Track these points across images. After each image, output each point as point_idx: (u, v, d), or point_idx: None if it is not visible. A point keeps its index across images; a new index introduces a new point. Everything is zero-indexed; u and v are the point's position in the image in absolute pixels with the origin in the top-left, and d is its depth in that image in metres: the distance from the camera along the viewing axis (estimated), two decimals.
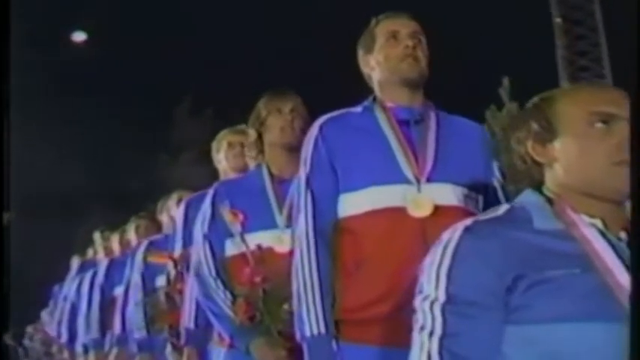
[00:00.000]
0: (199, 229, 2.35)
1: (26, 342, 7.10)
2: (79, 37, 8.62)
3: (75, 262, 5.07)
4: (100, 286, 3.79)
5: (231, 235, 1.93)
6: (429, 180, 1.46)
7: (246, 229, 1.91)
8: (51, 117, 8.22)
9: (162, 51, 7.74)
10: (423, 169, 1.47)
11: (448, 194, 1.46)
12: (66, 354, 4.54)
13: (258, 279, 1.78)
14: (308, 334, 1.41)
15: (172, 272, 2.49)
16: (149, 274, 3.12)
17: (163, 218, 3.41)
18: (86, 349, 3.91)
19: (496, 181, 1.58)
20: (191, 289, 2.31)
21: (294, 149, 1.98)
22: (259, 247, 1.87)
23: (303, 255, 1.46)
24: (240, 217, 1.92)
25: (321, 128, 1.54)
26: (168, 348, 2.61)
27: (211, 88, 7.87)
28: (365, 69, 1.64)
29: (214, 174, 2.73)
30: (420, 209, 1.41)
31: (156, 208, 3.56)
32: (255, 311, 1.79)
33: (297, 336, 1.45)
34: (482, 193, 1.55)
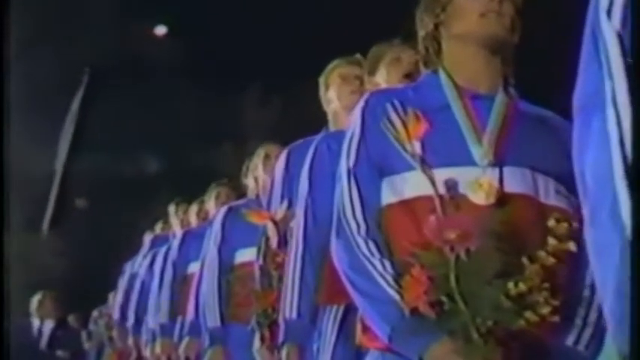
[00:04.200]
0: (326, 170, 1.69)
1: (91, 326, 6.70)
2: (160, 30, 8.76)
3: (147, 239, 4.53)
4: (173, 262, 3.18)
5: (390, 172, 1.21)
6: None
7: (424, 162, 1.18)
8: (124, 105, 7.99)
9: (233, 39, 7.43)
10: None
11: None
12: (130, 340, 3.96)
13: (452, 235, 1.03)
14: None
15: (273, 238, 1.82)
16: (227, 247, 2.47)
17: (249, 182, 2.79)
18: (154, 336, 3.30)
19: None
20: (294, 264, 1.68)
21: (497, 49, 1.26)
22: (450, 185, 1.14)
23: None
24: (425, 125, 1.17)
25: None
26: (257, 343, 1.93)
27: (280, 76, 7.45)
28: None
29: None
30: None
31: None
32: (441, 293, 1.04)
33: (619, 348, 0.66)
34: None
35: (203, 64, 8.02)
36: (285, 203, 1.88)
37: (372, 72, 1.73)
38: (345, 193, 1.24)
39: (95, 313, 6.72)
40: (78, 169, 9.09)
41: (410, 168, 1.18)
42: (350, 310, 1.56)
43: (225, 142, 8.89)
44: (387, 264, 1.15)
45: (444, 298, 1.05)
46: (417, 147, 1.18)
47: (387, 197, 1.21)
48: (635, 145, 0.77)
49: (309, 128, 2.50)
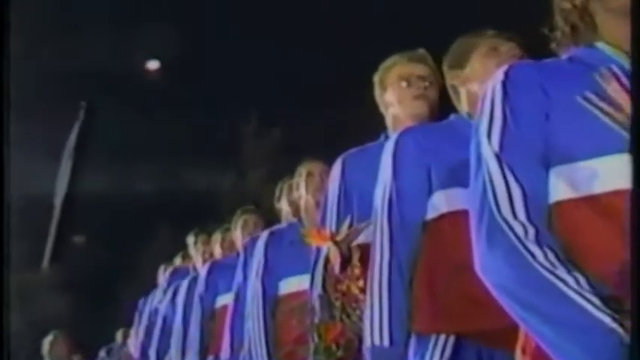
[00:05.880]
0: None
1: None
2: (153, 65, 8.77)
3: (162, 273, 4.32)
4: (200, 295, 2.96)
5: (568, 160, 0.95)
6: None
7: None
8: (121, 137, 7.91)
9: (229, 70, 7.44)
10: None
11: None
12: None
13: None
14: None
15: (335, 261, 1.61)
16: (270, 277, 2.27)
17: (283, 206, 2.60)
18: None
19: None
20: (379, 277, 1.41)
21: None
22: None
23: None
24: None
25: None
26: None
27: (279, 106, 7.46)
28: None
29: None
30: None
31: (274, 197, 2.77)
32: None
33: None
34: None
35: (198, 97, 8.02)
36: (348, 219, 1.65)
37: (460, 65, 1.54)
38: (498, 187, 0.97)
39: (102, 353, 6.45)
40: (77, 204, 8.96)
41: (616, 151, 0.90)
42: (463, 342, 1.32)
43: (226, 173, 8.83)
44: (582, 280, 0.88)
45: None
46: None
47: (562, 192, 0.95)
48: (636, 144, 0.81)
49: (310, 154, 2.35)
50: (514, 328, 0.99)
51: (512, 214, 0.96)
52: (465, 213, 1.31)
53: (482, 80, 1.41)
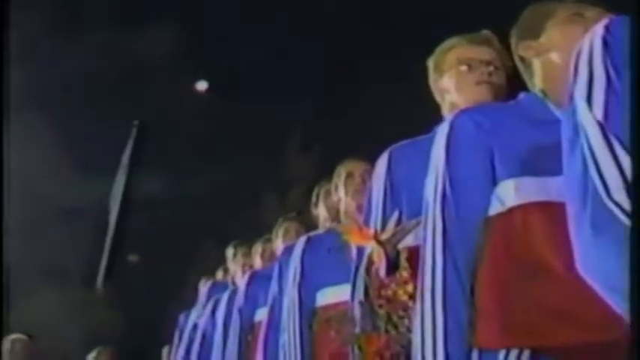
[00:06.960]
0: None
1: None
2: (202, 85, 9.01)
3: (205, 286, 4.18)
4: (239, 308, 2.79)
5: None
6: None
7: None
8: (168, 158, 8.00)
9: (273, 85, 7.44)
10: None
11: None
12: None
13: None
14: None
15: (380, 263, 1.40)
16: (308, 286, 2.09)
17: (320, 211, 2.43)
18: None
19: None
20: (431, 282, 1.19)
21: None
22: None
23: None
24: None
25: None
26: None
27: (319, 122, 7.39)
28: None
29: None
30: None
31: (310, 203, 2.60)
32: None
33: None
34: None
35: (241, 112, 8.05)
36: (396, 214, 1.45)
37: (534, 35, 1.33)
38: (603, 163, 0.77)
39: None
40: (129, 222, 9.03)
41: None
42: (540, 357, 1.08)
43: (269, 191, 8.79)
44: None
45: None
46: None
47: None
48: (635, 145, 0.75)
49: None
50: (616, 343, 0.80)
51: (628, 195, 0.75)
52: (538, 206, 1.13)
53: (563, 49, 1.21)
